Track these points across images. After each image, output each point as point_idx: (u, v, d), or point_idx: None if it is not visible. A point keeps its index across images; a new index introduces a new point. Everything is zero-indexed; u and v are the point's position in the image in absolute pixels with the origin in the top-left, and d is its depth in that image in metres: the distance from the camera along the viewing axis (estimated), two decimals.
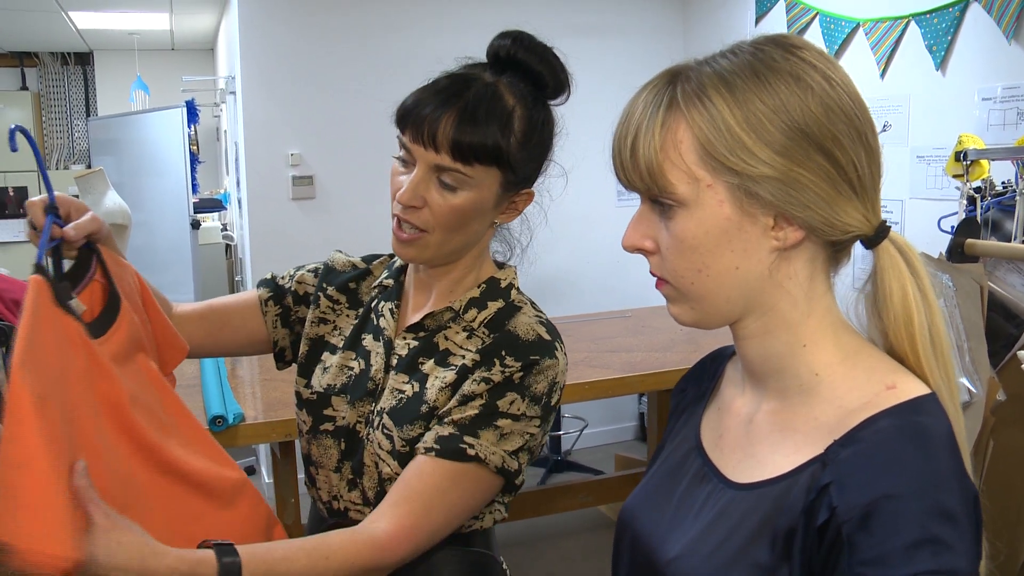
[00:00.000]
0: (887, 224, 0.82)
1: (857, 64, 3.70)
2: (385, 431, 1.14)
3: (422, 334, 1.19)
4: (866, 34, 3.66)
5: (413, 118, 1.09)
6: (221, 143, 6.71)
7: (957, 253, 2.13)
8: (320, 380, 1.23)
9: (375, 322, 1.24)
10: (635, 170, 0.81)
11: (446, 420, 1.10)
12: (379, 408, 1.16)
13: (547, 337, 1.15)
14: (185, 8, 5.50)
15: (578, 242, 4.62)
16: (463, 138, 1.06)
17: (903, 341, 0.81)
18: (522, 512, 3.70)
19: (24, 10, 5.46)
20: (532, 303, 1.22)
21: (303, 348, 1.28)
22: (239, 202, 4.87)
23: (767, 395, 0.86)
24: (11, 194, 6.73)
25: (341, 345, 1.25)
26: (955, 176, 2.22)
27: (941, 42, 3.31)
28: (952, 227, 2.24)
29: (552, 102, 1.17)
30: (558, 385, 1.14)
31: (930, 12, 3.35)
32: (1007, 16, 3.04)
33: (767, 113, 0.76)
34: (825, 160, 0.77)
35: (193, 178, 5.44)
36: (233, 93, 4.67)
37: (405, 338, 1.20)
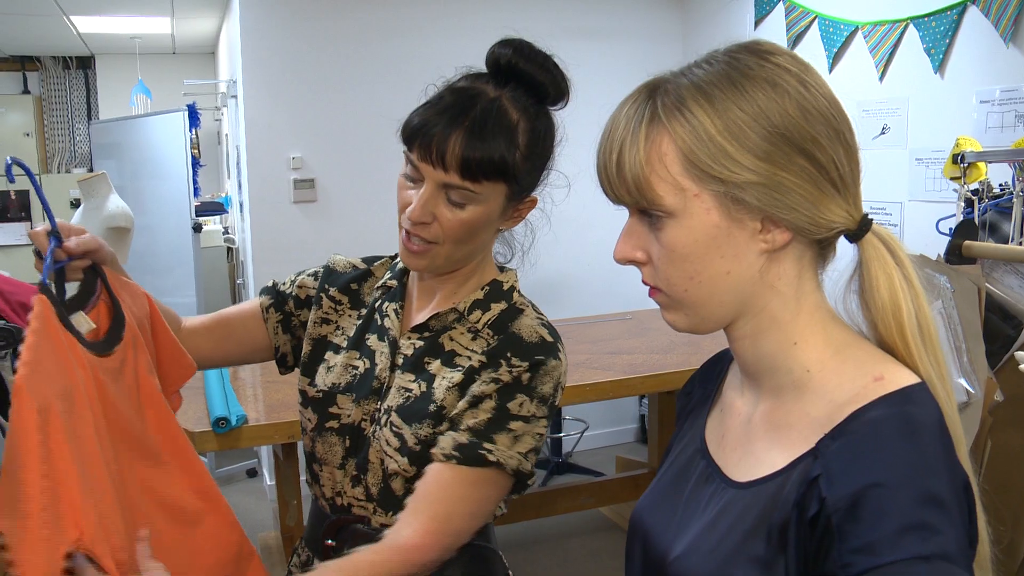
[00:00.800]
0: (869, 217, 0.84)
1: (856, 67, 3.71)
2: (394, 429, 1.16)
3: (427, 334, 1.21)
4: (865, 37, 3.67)
5: (421, 137, 1.10)
6: (222, 146, 6.73)
7: (955, 255, 2.14)
8: (324, 379, 1.25)
9: (379, 322, 1.26)
10: (622, 184, 0.82)
11: (461, 427, 1.13)
12: (386, 406, 1.19)
13: (550, 339, 1.17)
14: (186, 12, 5.52)
15: (578, 245, 4.63)
16: (471, 157, 1.08)
17: (892, 331, 0.82)
18: (524, 514, 3.72)
19: (26, 14, 5.48)
20: (533, 305, 1.24)
21: (306, 347, 1.30)
22: (240, 205, 4.88)
23: (763, 394, 0.88)
24: (13, 198, 6.74)
25: (344, 345, 1.27)
26: (953, 178, 2.23)
27: (939, 45, 3.33)
28: (950, 229, 2.25)
29: (552, 108, 1.18)
30: (561, 386, 1.17)
31: (928, 15, 3.37)
32: (1005, 19, 3.06)
33: (747, 120, 0.78)
34: (807, 162, 0.79)
35: (194, 181, 5.46)
36: (235, 97, 4.69)
37: (410, 338, 1.22)
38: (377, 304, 1.28)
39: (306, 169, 4.34)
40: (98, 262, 1.10)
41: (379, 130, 4.49)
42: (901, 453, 0.72)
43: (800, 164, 0.78)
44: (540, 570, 3.67)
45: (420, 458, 1.15)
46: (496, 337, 1.18)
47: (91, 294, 1.09)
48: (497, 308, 1.21)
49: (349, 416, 1.22)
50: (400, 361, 1.21)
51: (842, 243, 0.87)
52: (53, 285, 1.02)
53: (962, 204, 2.19)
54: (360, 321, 1.28)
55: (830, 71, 3.84)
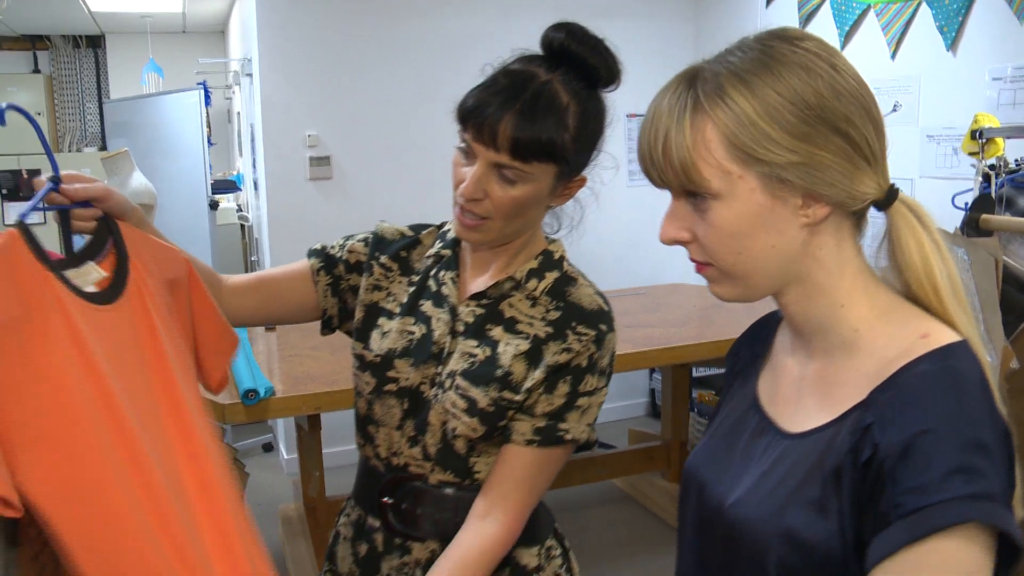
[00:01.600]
0: (895, 187, 0.89)
1: (868, 45, 3.75)
2: (460, 391, 1.23)
3: (486, 302, 1.27)
4: (877, 15, 3.71)
5: (475, 118, 1.15)
6: (233, 124, 6.76)
7: (972, 227, 2.20)
8: (380, 344, 1.30)
9: (435, 289, 1.31)
10: (669, 170, 0.87)
11: (537, 412, 1.22)
12: (449, 370, 1.25)
13: (606, 308, 1.26)
14: None
15: (591, 223, 4.68)
16: (521, 138, 1.13)
17: (927, 291, 0.88)
18: None
19: None
20: (582, 275, 1.31)
21: (358, 314, 1.35)
22: (255, 183, 4.93)
23: (814, 354, 0.93)
24: (25, 176, 6.79)
25: (398, 311, 1.32)
26: (971, 154, 2.29)
27: (952, 23, 3.37)
28: (966, 204, 2.31)
29: (604, 91, 1.24)
30: (614, 355, 1.27)
31: None
32: None
33: (784, 103, 0.83)
34: (842, 140, 0.84)
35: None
36: (249, 75, 4.72)
37: (469, 305, 1.28)
38: (432, 272, 1.33)
39: (322, 147, 4.38)
40: (109, 212, 1.08)
41: (394, 108, 4.56)
42: (948, 403, 0.79)
43: (836, 143, 0.84)
44: None
45: (490, 418, 1.21)
46: (555, 304, 1.25)
47: (103, 246, 1.06)
48: (551, 277, 1.27)
49: (408, 379, 1.28)
50: (461, 328, 1.27)
51: (872, 212, 0.93)
52: (61, 235, 1.02)
53: (980, 179, 2.25)
54: (413, 288, 1.33)
55: (842, 49, 3.88)
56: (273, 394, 2.67)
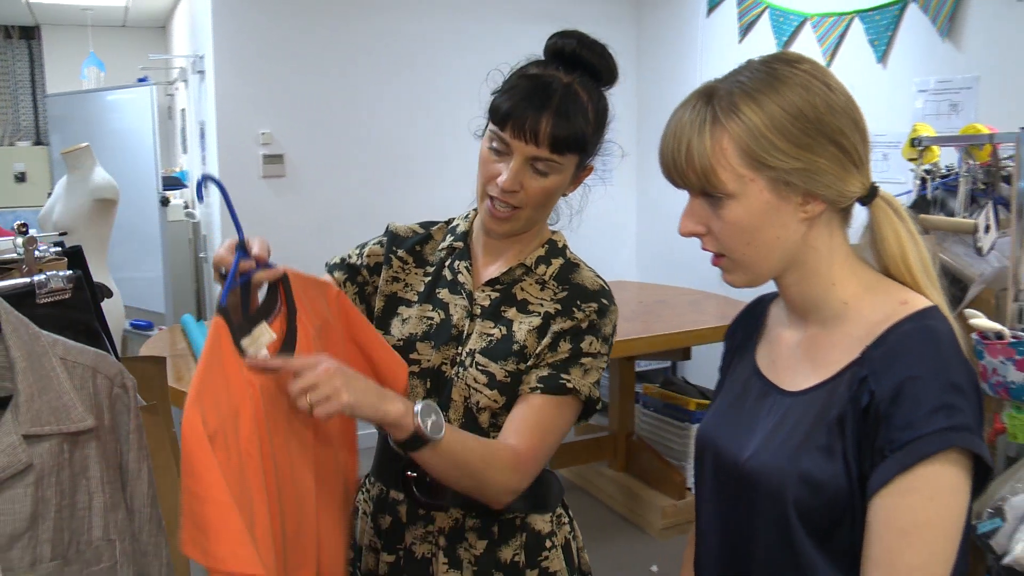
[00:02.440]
0: (876, 185, 1.06)
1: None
2: (479, 367, 1.35)
3: (500, 287, 1.40)
4: (813, 27, 3.94)
5: (514, 120, 1.28)
6: (174, 121, 6.71)
7: None
8: (401, 330, 1.42)
9: (449, 278, 1.43)
10: (691, 173, 1.03)
11: (542, 364, 1.34)
12: (468, 349, 1.37)
13: (606, 287, 1.41)
14: None
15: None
16: (559, 135, 1.28)
17: (902, 271, 1.05)
18: None
19: None
20: (583, 261, 1.45)
21: (379, 304, 1.46)
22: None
23: (809, 325, 1.10)
24: None
25: (416, 299, 1.44)
26: (910, 160, 2.51)
27: (882, 37, 3.61)
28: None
29: (606, 89, 1.40)
30: (615, 327, 1.40)
31: (872, 9, 3.64)
32: (941, 16, 3.35)
33: (788, 118, 0.99)
34: (836, 149, 1.00)
35: None
36: (201, 72, 4.73)
37: (484, 291, 1.41)
38: (447, 263, 1.45)
39: (275, 145, 4.42)
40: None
41: (348, 107, 4.62)
42: (929, 354, 0.96)
43: (831, 151, 1.00)
44: None
45: (508, 389, 1.34)
46: (562, 287, 1.38)
47: (275, 303, 1.11)
48: (557, 263, 1.41)
49: (429, 361, 1.39)
50: (478, 311, 1.39)
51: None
52: (240, 297, 1.08)
53: (918, 182, 2.47)
54: (429, 278, 1.45)
55: None
56: None
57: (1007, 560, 2.03)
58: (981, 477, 0.96)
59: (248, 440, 1.02)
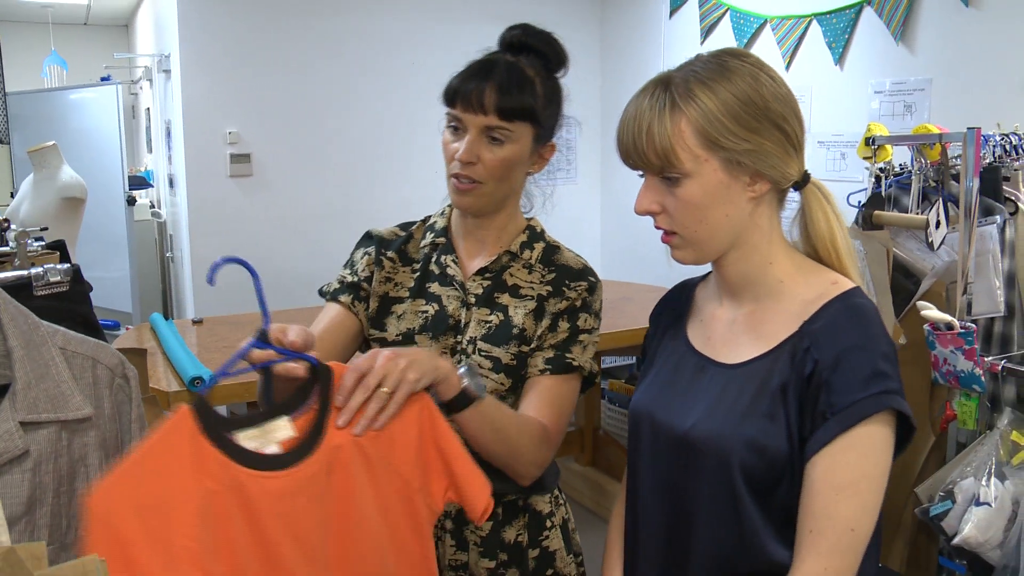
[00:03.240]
0: (808, 172, 1.16)
1: (764, 57, 3.98)
2: (483, 353, 1.41)
3: (490, 275, 1.46)
4: (773, 30, 4.04)
5: (462, 93, 1.36)
6: (138, 120, 6.68)
7: (866, 223, 2.50)
8: (398, 326, 1.47)
9: (437, 272, 1.49)
10: (651, 154, 1.10)
11: (546, 347, 1.41)
12: (469, 337, 1.43)
13: (589, 265, 1.48)
14: None
15: None
16: (504, 101, 1.35)
17: (831, 253, 1.16)
18: None
19: None
20: (561, 243, 1.52)
21: (373, 304, 1.50)
22: (170, 180, 4.93)
23: (744, 302, 1.19)
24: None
25: (407, 296, 1.49)
26: (865, 158, 2.59)
27: (839, 40, 3.72)
28: (860, 202, 2.61)
29: (556, 75, 1.46)
30: (603, 302, 1.48)
31: (830, 12, 3.75)
32: (895, 20, 3.45)
33: (739, 104, 1.08)
34: (779, 133, 1.10)
35: None
36: (167, 71, 4.73)
37: (475, 280, 1.46)
38: (433, 258, 1.51)
39: (242, 144, 4.43)
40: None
41: (315, 106, 4.65)
42: (861, 328, 1.08)
43: (775, 135, 1.10)
44: None
45: (514, 371, 1.41)
46: (549, 269, 1.45)
47: (305, 397, 1.02)
48: (539, 247, 1.48)
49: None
50: (472, 300, 1.45)
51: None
52: (262, 384, 1.01)
53: (872, 180, 2.56)
54: (417, 274, 1.50)
55: None
56: (217, 382, 2.74)
57: (957, 540, 2.13)
58: (904, 435, 1.08)
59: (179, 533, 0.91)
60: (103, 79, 5.72)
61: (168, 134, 4.83)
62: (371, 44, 4.60)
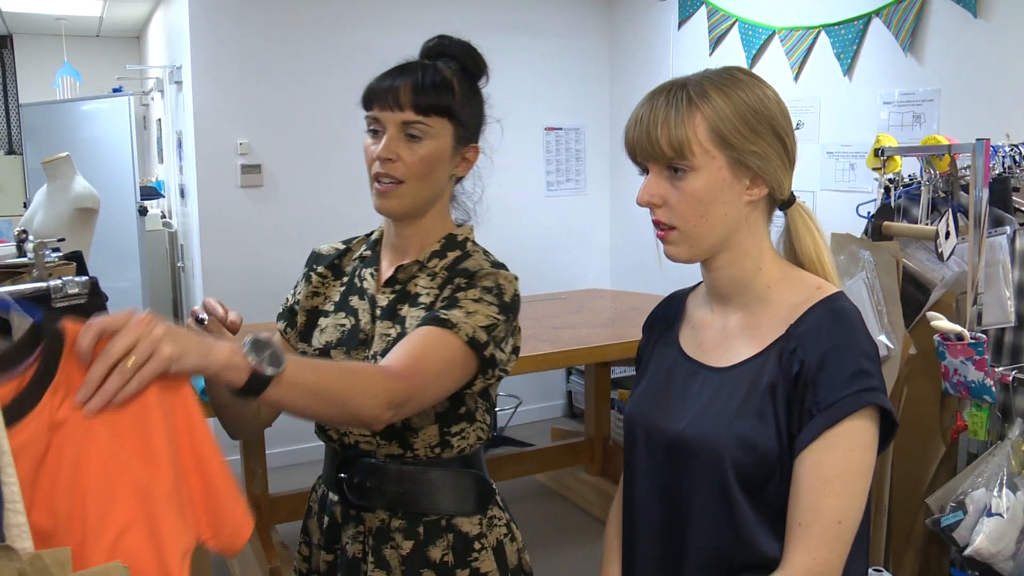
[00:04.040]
0: (794, 194, 1.22)
1: (773, 68, 4.08)
2: None
3: (397, 286, 1.44)
4: (781, 41, 4.05)
5: (378, 92, 1.37)
6: (149, 131, 6.72)
7: (876, 233, 2.51)
8: (319, 339, 1.47)
9: (359, 284, 1.48)
10: (666, 146, 1.14)
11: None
12: (372, 352, 1.41)
13: (494, 269, 1.40)
14: None
15: (508, 231, 4.87)
16: (420, 95, 1.35)
17: (816, 266, 1.22)
18: None
19: None
20: (485, 251, 1.47)
21: (301, 318, 1.51)
22: (181, 190, 4.96)
23: (733, 308, 1.23)
24: None
25: (331, 310, 1.49)
26: (874, 169, 2.60)
27: (848, 51, 3.73)
28: (869, 213, 2.62)
29: (477, 82, 1.46)
30: (510, 286, 1.38)
31: (838, 24, 3.76)
32: (904, 31, 3.46)
33: (749, 108, 1.15)
34: (779, 144, 1.16)
35: None
36: (178, 82, 4.76)
37: (384, 292, 1.44)
38: (357, 271, 1.50)
39: (253, 155, 4.46)
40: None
41: (325, 117, 4.67)
42: (845, 329, 1.13)
43: (777, 145, 1.16)
44: None
45: None
46: (450, 274, 1.40)
47: (23, 359, 0.85)
48: (452, 255, 1.43)
49: None
50: (378, 313, 1.43)
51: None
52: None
53: (881, 191, 2.57)
54: (343, 288, 1.50)
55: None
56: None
57: (969, 551, 2.13)
58: (887, 431, 1.13)
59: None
60: (115, 90, 5.78)
61: (179, 145, 4.87)
62: (381, 56, 4.60)
